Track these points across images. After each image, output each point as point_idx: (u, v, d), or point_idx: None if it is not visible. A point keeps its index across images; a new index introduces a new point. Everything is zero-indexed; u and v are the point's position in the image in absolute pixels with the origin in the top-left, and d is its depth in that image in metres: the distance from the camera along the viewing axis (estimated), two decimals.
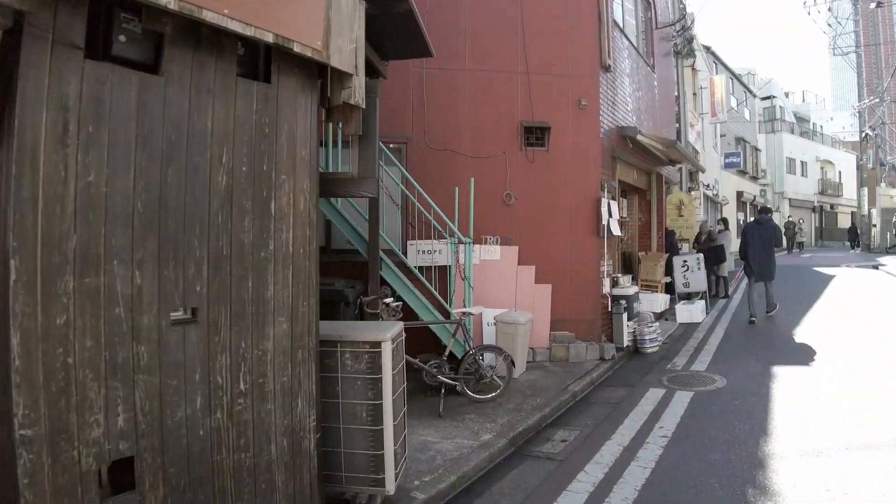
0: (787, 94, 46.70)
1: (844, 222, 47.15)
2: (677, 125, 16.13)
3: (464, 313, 5.53)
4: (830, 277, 17.00)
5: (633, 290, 8.60)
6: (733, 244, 14.56)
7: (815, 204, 42.41)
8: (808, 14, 37.62)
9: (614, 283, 8.61)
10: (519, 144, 7.76)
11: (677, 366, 7.28)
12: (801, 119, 46.07)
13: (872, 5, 36.04)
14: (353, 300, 5.65)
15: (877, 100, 30.32)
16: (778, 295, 11.62)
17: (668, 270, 11.87)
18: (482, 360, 5.88)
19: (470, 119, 7.74)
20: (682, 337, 9.11)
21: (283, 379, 2.68)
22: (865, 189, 32.94)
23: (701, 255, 11.64)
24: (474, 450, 4.52)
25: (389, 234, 6.73)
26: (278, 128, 2.64)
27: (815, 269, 19.48)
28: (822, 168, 43.95)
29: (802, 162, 41.08)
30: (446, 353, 5.55)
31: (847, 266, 20.85)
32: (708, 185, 19.72)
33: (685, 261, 11.68)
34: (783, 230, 26.81)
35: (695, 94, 18.98)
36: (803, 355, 7.43)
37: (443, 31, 7.69)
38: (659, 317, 10.57)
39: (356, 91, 3.02)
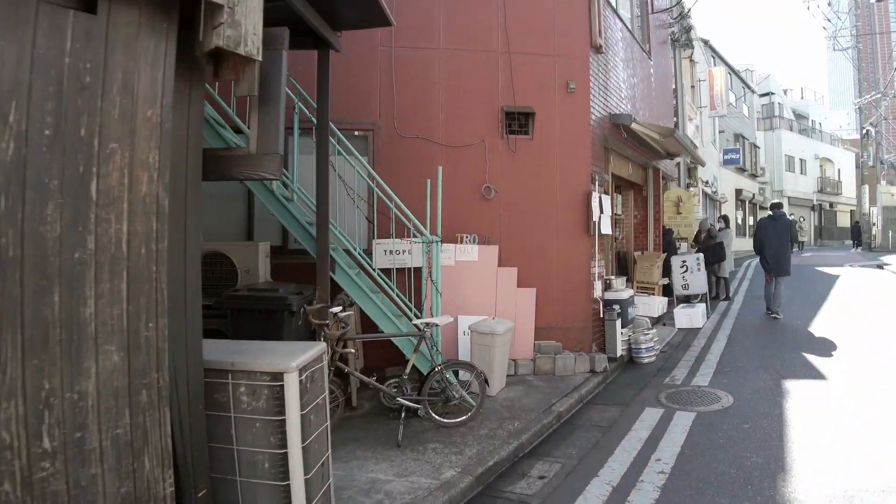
0: (785, 92, 45.99)
1: (843, 221, 46.57)
2: (675, 119, 15.35)
3: (427, 324, 4.73)
4: (835, 278, 16.25)
5: (627, 293, 7.82)
6: (735, 243, 13.83)
7: (815, 202, 41.78)
8: (808, 9, 36.88)
9: (607, 286, 7.82)
10: (500, 132, 6.97)
11: (677, 379, 6.50)
12: (799, 116, 45.39)
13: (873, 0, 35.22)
14: (298, 309, 4.84)
15: (878, 94, 29.61)
16: (783, 296, 11.12)
17: (666, 272, 11.10)
18: (451, 377, 5.09)
19: (445, 104, 6.94)
20: (682, 345, 8.32)
21: (116, 431, 1.88)
22: (866, 187, 32.27)
23: (701, 256, 10.86)
24: (432, 492, 3.72)
25: (353, 232, 5.93)
26: (107, 77, 1.84)
27: (819, 270, 18.73)
28: (821, 166, 43.30)
29: (801, 160, 40.41)
30: (408, 369, 4.75)
31: (850, 266, 20.13)
32: (707, 182, 18.96)
33: (684, 261, 10.90)
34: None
35: (693, 86, 18.21)
36: (817, 367, 6.65)
37: (414, 7, 6.90)
38: (656, 322, 9.80)
39: (247, 37, 2.23)
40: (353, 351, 4.48)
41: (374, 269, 5.58)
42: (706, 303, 10.86)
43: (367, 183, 6.01)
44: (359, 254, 5.53)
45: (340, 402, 4.73)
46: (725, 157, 23.30)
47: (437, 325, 4.88)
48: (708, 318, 10.27)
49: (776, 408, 5.27)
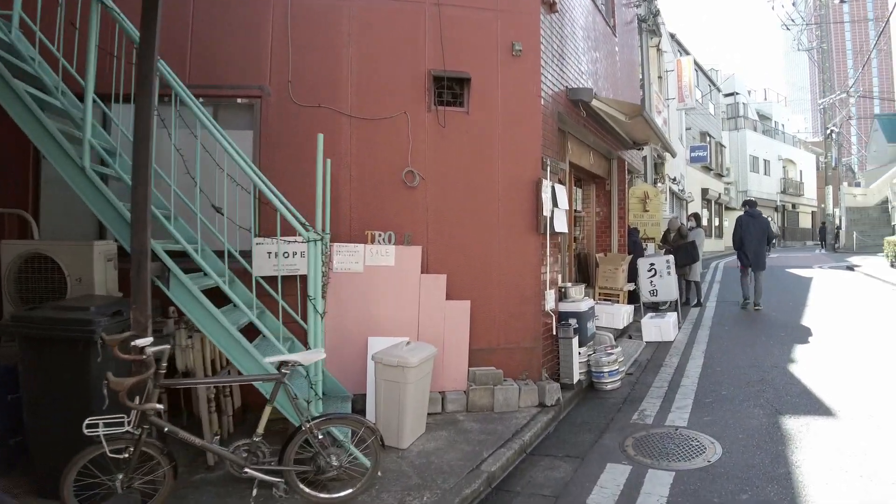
0: (749, 93, 45.78)
1: (805, 222, 46.67)
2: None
3: (284, 363, 3.22)
4: (808, 280, 15.27)
5: (586, 304, 6.44)
6: (707, 243, 12.71)
7: (778, 203, 41.65)
8: (773, 8, 36.36)
9: (562, 296, 6.45)
10: (426, 102, 5.52)
11: (647, 415, 5.14)
12: (763, 117, 45.24)
13: (837, 0, 35.06)
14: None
15: (843, 94, 29.16)
16: (764, 303, 10.62)
17: (632, 276, 9.82)
18: (338, 432, 3.61)
19: (357, 65, 5.46)
20: (652, 364, 7.00)
21: None
22: (830, 188, 31.89)
23: (671, 258, 9.61)
24: None
25: (234, 228, 4.40)
26: None
27: (790, 272, 17.81)
28: (784, 167, 43.23)
29: (765, 160, 40.20)
30: (260, 427, 3.25)
31: (820, 267, 19.32)
32: (674, 179, 17.89)
33: (652, 264, 9.62)
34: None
35: (660, 77, 17.10)
36: (818, 397, 5.38)
37: None
38: (621, 334, 8.50)
39: None
40: (158, 407, 2.97)
41: (257, 278, 4.07)
42: (677, 311, 9.61)
43: (250, 165, 4.50)
44: (211, 258, 4.02)
45: (166, 472, 3.20)
46: (693, 154, 22.37)
47: (298, 365, 3.37)
48: (679, 328, 9.01)
49: (781, 463, 3.93)
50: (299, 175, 5.07)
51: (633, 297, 9.94)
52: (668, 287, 9.56)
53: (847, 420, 4.69)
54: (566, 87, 6.69)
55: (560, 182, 6.48)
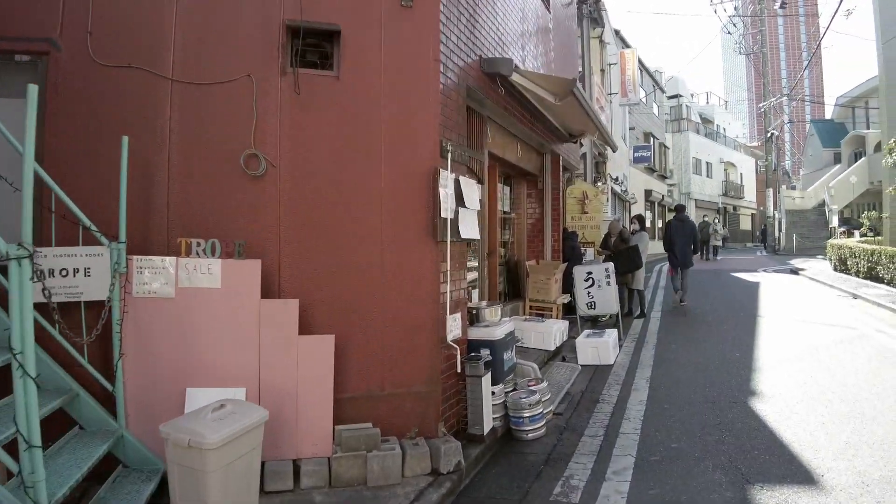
0: (692, 96, 46.02)
1: (745, 224, 47.29)
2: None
3: None
4: (756, 286, 14.52)
5: (503, 328, 5.09)
6: (651, 245, 11.72)
7: (720, 205, 41.91)
8: (715, 12, 36.34)
9: (473, 319, 5.10)
10: (280, 63, 4.07)
11: (574, 486, 3.82)
12: (705, 120, 45.54)
13: (776, 5, 35.38)
14: None
15: (784, 97, 29.15)
16: (713, 313, 9.99)
17: (568, 286, 8.62)
18: None
19: (184, 12, 3.98)
20: (586, 399, 5.74)
21: None
22: (770, 191, 31.96)
23: (610, 265, 8.45)
24: None
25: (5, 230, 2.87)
26: None
27: (735, 276, 17.14)
28: (725, 170, 43.61)
29: (707, 163, 40.37)
30: None
31: (765, 271, 18.79)
32: (616, 179, 16.95)
33: (589, 272, 8.44)
34: (699, 230, 24.45)
35: (603, 70, 16.10)
36: (794, 451, 4.22)
37: None
38: (554, 355, 7.26)
39: None
40: None
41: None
42: (618, 325, 8.46)
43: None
44: None
45: None
46: (636, 154, 21.60)
47: None
48: (621, 347, 7.84)
49: None
50: (102, 155, 3.58)
51: (570, 310, 8.76)
52: (607, 298, 8.39)
53: (838, 494, 3.49)
54: (479, 55, 5.36)
55: (474, 175, 5.14)
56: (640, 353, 7.55)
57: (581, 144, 12.48)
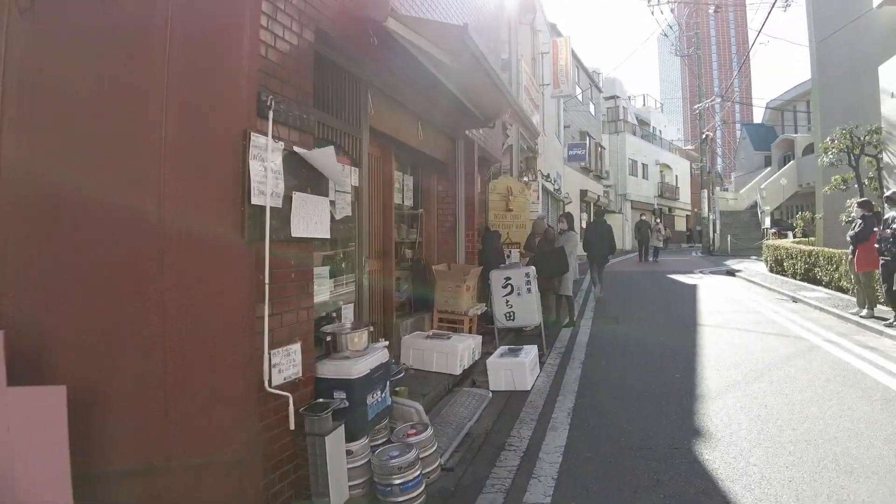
0: (629, 98, 46.15)
1: (680, 225, 47.75)
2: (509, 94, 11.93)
3: None
4: (693, 289, 13.76)
5: (369, 360, 3.73)
6: (580, 248, 10.70)
7: (656, 206, 42.06)
8: (652, 13, 36.16)
9: (330, 349, 3.73)
10: None
11: None
12: (642, 122, 45.74)
13: (711, 9, 35.51)
14: None
15: (719, 99, 29.11)
16: (649, 321, 9.02)
17: (486, 293, 7.39)
18: None
19: None
20: (490, 446, 4.45)
21: None
22: (705, 192, 31.95)
23: (531, 270, 7.27)
24: None
25: None
26: None
27: (672, 277, 16.44)
28: (661, 171, 43.86)
29: (644, 164, 40.40)
30: None
31: (701, 272, 18.21)
32: (548, 177, 15.93)
33: (508, 278, 7.23)
34: (636, 231, 23.67)
35: (534, 59, 15.05)
36: None
37: None
38: (462, 379, 6.00)
39: None
40: None
41: None
42: (541, 339, 7.28)
43: None
44: None
45: None
46: (571, 152, 20.76)
47: None
48: (543, 364, 6.66)
49: None
50: None
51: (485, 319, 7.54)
52: (527, 308, 7.20)
53: None
54: None
55: (346, 155, 3.79)
56: (565, 374, 6.37)
57: (507, 135, 11.32)
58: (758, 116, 48.40)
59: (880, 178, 13.83)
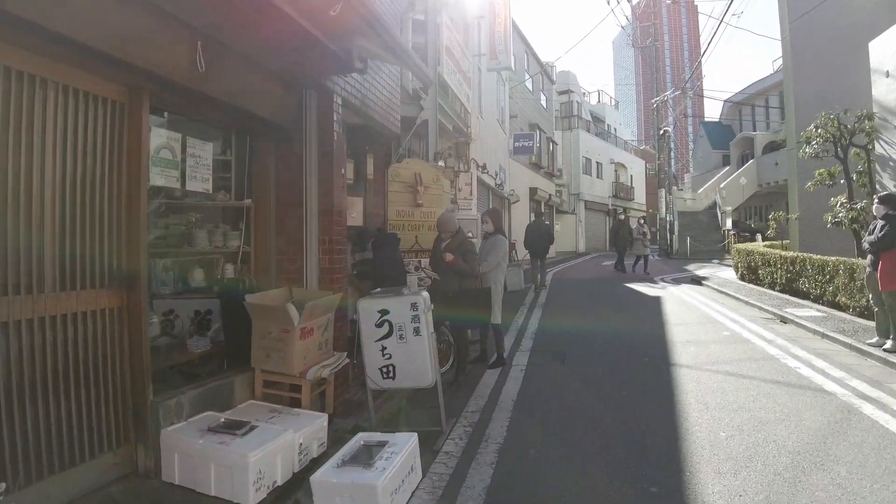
0: (584, 94, 44.22)
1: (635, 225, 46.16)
2: (426, 65, 9.21)
3: None
4: (658, 305, 11.29)
5: None
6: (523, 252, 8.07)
7: (610, 206, 40.26)
8: (608, 3, 33.91)
9: None
10: None
11: None
12: (596, 119, 43.85)
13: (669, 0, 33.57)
14: None
15: (678, 92, 27.14)
16: (603, 361, 5.92)
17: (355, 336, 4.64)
18: None
19: None
20: None
21: None
22: (662, 191, 29.97)
23: (425, 297, 4.54)
24: None
25: None
26: None
27: (630, 287, 14.03)
28: (616, 171, 42.11)
29: (598, 163, 38.51)
30: None
31: (663, 280, 15.87)
32: (483, 167, 13.29)
33: (384, 311, 4.48)
34: (612, 235, 19.25)
35: (467, 25, 12.39)
36: None
37: None
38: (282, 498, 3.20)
39: None
40: None
41: None
42: (439, 403, 4.58)
43: None
44: None
45: None
46: (517, 143, 18.23)
47: None
48: (430, 465, 3.94)
49: None
50: None
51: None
52: (416, 359, 4.47)
53: None
54: None
55: None
56: (465, 481, 3.67)
57: (421, 107, 8.59)
58: (711, 112, 47.23)
59: (871, 172, 11.68)
